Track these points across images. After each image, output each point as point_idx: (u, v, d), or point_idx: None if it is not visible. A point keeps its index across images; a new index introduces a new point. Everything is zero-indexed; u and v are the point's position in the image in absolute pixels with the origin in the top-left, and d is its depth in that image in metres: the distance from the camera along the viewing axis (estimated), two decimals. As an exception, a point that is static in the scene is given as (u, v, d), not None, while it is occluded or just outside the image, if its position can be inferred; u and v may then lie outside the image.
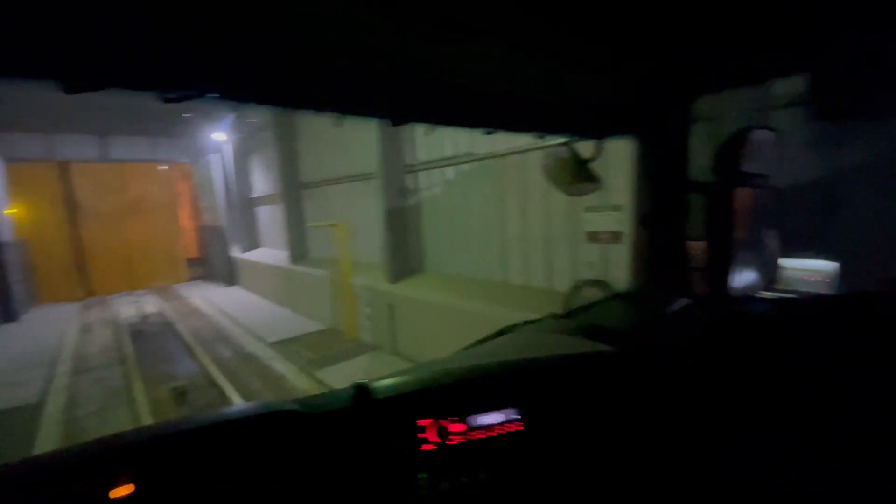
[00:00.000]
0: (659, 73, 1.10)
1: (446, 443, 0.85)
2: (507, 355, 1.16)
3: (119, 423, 4.45)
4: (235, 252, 12.25)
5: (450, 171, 5.30)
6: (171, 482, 0.69)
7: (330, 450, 0.80)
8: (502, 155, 4.54)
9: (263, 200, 11.36)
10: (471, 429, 0.87)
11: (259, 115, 10.36)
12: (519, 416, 0.90)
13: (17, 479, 0.64)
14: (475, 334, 1.38)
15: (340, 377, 5.07)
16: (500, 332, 1.39)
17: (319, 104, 0.78)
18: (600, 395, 0.97)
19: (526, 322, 1.44)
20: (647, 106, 1.23)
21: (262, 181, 11.32)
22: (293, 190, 8.97)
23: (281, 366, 5.76)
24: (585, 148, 1.32)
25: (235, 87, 0.67)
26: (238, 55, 0.62)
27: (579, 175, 1.30)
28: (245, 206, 12.08)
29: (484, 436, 0.88)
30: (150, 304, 10.51)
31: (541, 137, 1.26)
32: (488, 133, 1.07)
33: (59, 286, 12.06)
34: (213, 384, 5.27)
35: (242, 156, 11.86)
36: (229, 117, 11.47)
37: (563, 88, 1.02)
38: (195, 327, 8.09)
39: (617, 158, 1.78)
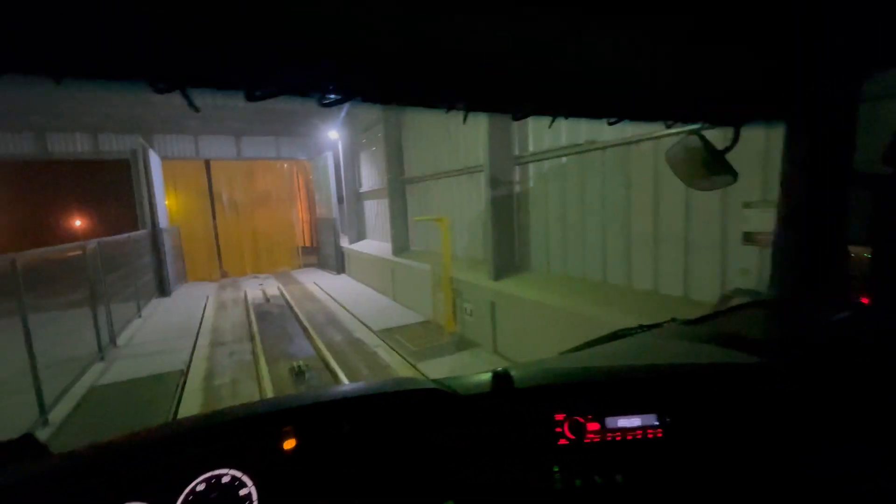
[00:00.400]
0: (816, 44, 0.88)
1: (583, 440, 0.87)
2: (628, 360, 1.14)
3: (248, 395, 4.89)
4: (344, 243, 13.08)
5: (565, 162, 4.91)
6: (328, 441, 0.79)
7: (472, 430, 0.85)
8: (631, 142, 4.05)
9: (370, 195, 11.92)
10: (607, 429, 0.88)
11: (368, 114, 10.84)
12: (659, 423, 0.89)
13: (204, 429, 0.76)
14: (585, 339, 1.32)
15: (442, 372, 5.01)
16: (614, 336, 1.36)
17: (450, 102, 0.79)
18: (749, 408, 0.91)
19: (641, 326, 1.39)
20: (800, 85, 1.04)
21: (369, 176, 11.89)
22: (397, 185, 9.23)
23: (386, 354, 5.90)
24: (713, 135, 1.15)
25: (363, 89, 0.69)
26: (366, 58, 0.64)
27: (711, 167, 1.17)
28: (353, 199, 12.81)
29: (620, 438, 0.88)
30: (272, 287, 11.67)
31: (668, 126, 1.17)
32: (611, 124, 1.01)
33: (201, 267, 14.00)
34: (327, 366, 5.57)
35: (352, 153, 12.57)
36: (341, 116, 12.23)
37: (695, 69, 0.90)
38: (309, 310, 8.75)
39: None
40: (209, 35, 0.54)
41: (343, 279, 12.42)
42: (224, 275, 14.40)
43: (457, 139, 7.06)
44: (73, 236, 15.66)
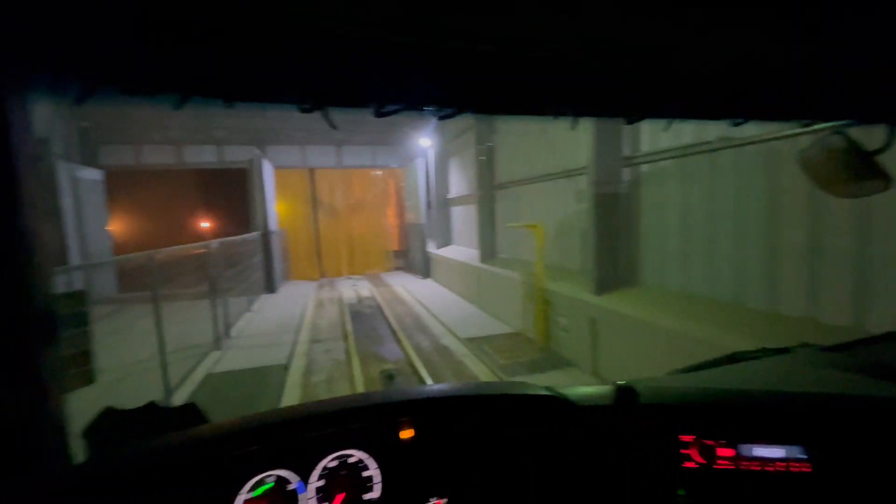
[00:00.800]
0: None
1: (713, 466, 0.82)
2: (755, 385, 1.06)
3: (341, 394, 5.02)
4: (430, 248, 13.27)
5: (689, 162, 4.33)
6: (442, 435, 0.83)
7: (589, 441, 0.84)
8: (778, 137, 3.40)
9: (458, 201, 11.93)
10: (742, 457, 0.83)
11: (459, 121, 10.85)
12: (806, 456, 0.82)
13: (334, 412, 0.83)
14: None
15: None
16: (731, 358, 1.29)
17: (558, 109, 0.78)
18: None
19: (765, 349, 1.32)
20: None
21: (457, 183, 11.91)
22: (487, 190, 9.07)
23: (473, 365, 5.73)
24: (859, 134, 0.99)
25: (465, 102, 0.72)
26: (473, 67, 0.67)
27: (858, 171, 1.04)
28: (441, 205, 12.95)
29: (759, 468, 0.82)
30: (364, 288, 12.20)
31: (806, 125, 1.09)
32: (736, 125, 0.93)
33: (302, 267, 15.15)
34: (415, 372, 5.54)
35: (442, 159, 12.72)
36: (433, 124, 12.45)
37: (842, 58, 0.76)
38: (398, 313, 8.93)
39: None
40: (347, 63, 0.60)
41: (429, 283, 12.58)
42: (322, 275, 15.43)
43: (555, 141, 6.70)
44: (199, 236, 18.01)
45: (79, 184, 10.70)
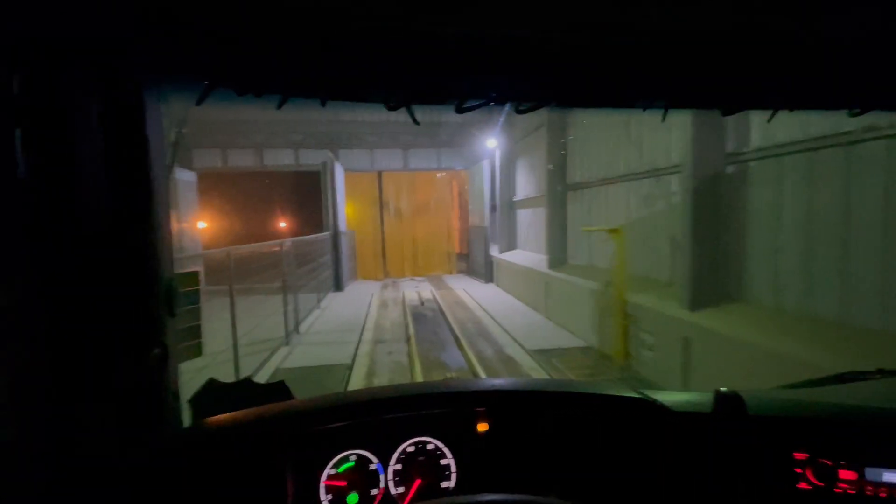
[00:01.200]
0: None
1: (832, 489, 0.75)
2: (876, 405, 0.93)
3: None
4: (494, 252, 12.94)
5: (815, 158, 3.65)
6: (515, 428, 0.84)
7: (685, 450, 0.80)
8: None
9: (524, 203, 11.51)
10: (867, 482, 0.74)
11: (528, 120, 10.46)
12: None
13: (408, 399, 0.87)
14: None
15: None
16: (840, 378, 1.17)
17: (649, 99, 0.75)
18: None
19: (882, 371, 1.17)
20: None
21: (525, 184, 11.49)
22: (558, 192, 8.58)
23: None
24: None
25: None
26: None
27: None
28: (506, 208, 12.59)
29: (886, 495, 0.73)
30: (426, 290, 12.16)
31: None
32: (854, 115, 0.83)
33: (368, 267, 15.50)
34: (478, 383, 5.27)
35: (508, 161, 12.36)
36: (499, 124, 12.15)
37: None
38: (460, 318, 8.71)
39: None
40: (430, 63, 0.63)
41: (491, 288, 12.25)
42: (386, 275, 15.69)
43: (641, 138, 6.12)
44: (277, 235, 19.12)
45: (177, 184, 11.74)
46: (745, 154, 4.30)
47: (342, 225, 13.07)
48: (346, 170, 14.76)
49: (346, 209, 14.91)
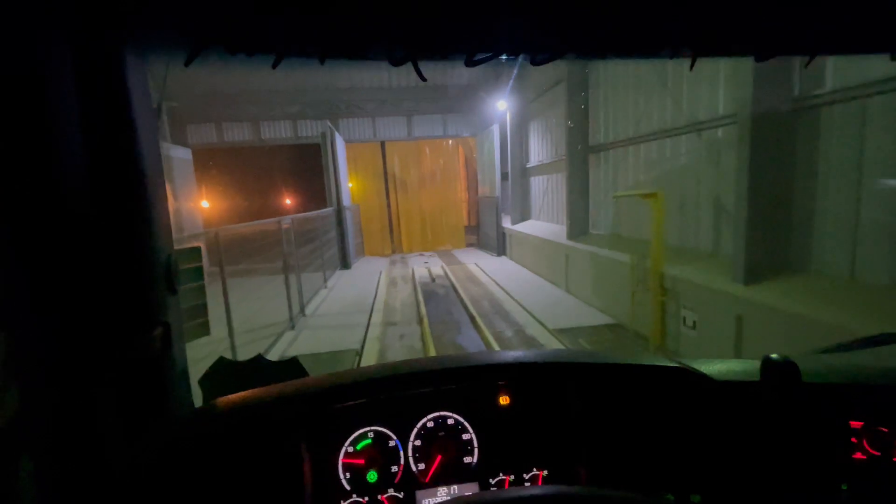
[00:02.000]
0: None
1: (891, 459, 0.72)
2: None
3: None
4: (505, 223, 12.31)
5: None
6: (538, 400, 0.80)
7: (735, 423, 0.76)
8: None
9: (538, 170, 10.78)
10: None
11: (542, 77, 9.60)
12: None
13: (426, 373, 0.82)
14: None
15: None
16: (871, 341, 1.08)
17: (676, 46, 0.68)
18: None
19: None
20: None
21: (539, 149, 10.73)
22: (578, 155, 7.86)
23: (570, 362, 4.84)
24: None
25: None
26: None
27: None
28: (519, 176, 11.86)
29: None
30: (436, 266, 11.65)
31: None
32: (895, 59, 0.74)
33: (375, 243, 14.98)
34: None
35: (520, 123, 11.54)
36: (510, 85, 11.26)
37: None
38: (473, 295, 8.21)
39: None
40: (436, 10, 0.56)
41: (504, 262, 11.70)
42: (394, 251, 15.19)
43: (678, 88, 5.37)
44: (281, 212, 18.58)
45: (171, 161, 11.15)
46: (817, 97, 3.58)
47: (346, 199, 12.46)
48: (347, 141, 14.04)
49: (350, 182, 14.27)
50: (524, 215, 11.92)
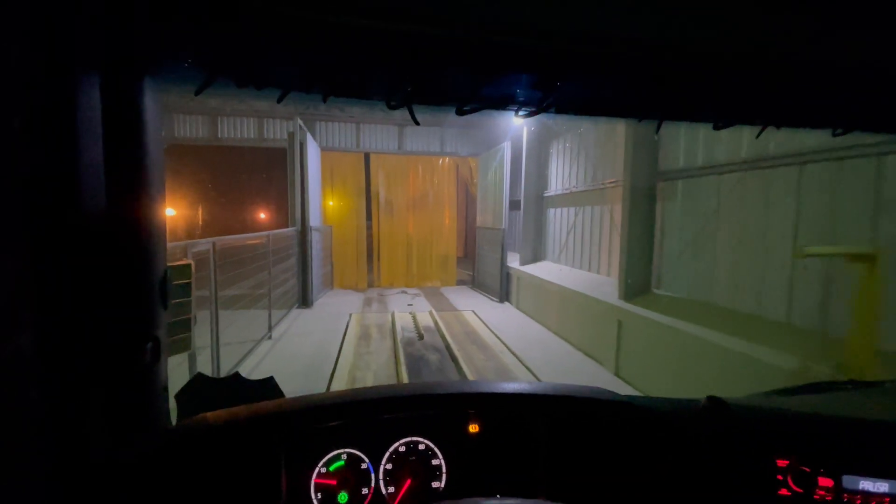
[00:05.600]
0: None
1: (812, 496, 0.76)
2: (847, 415, 0.95)
3: None
4: (513, 262, 9.93)
5: None
6: (505, 430, 0.83)
7: (674, 454, 0.82)
8: None
9: (562, 200, 8.51)
10: (844, 489, 0.76)
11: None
12: None
13: (400, 399, 0.85)
14: None
15: None
16: (814, 388, 1.19)
17: (644, 112, 0.82)
18: None
19: (853, 382, 1.22)
20: None
21: (564, 174, 8.48)
22: (642, 183, 5.56)
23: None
24: None
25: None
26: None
27: None
28: (533, 206, 9.57)
29: (859, 501, 0.75)
30: (423, 311, 9.07)
31: None
32: (836, 135, 0.87)
33: (349, 273, 12.32)
34: None
35: (540, 142, 9.33)
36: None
37: None
38: (480, 369, 5.67)
39: None
40: (430, 65, 0.63)
41: (509, 311, 9.24)
42: (371, 284, 12.54)
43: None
44: (247, 228, 15.70)
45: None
46: None
47: (315, 218, 9.89)
48: (324, 148, 11.58)
49: (323, 198, 11.72)
50: (537, 254, 9.57)
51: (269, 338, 6.84)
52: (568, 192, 8.16)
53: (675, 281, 5.25)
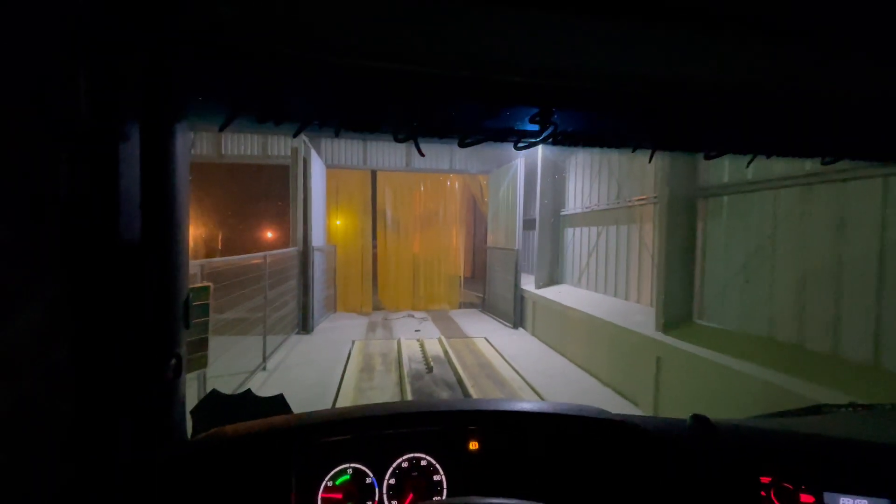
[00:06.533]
0: None
1: None
2: (838, 435, 0.97)
3: None
4: (528, 285, 9.29)
5: None
6: (505, 447, 0.86)
7: (664, 471, 0.84)
8: None
9: (583, 219, 7.93)
10: None
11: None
12: None
13: (405, 416, 0.88)
14: None
15: None
16: (815, 410, 1.23)
17: (637, 143, 0.85)
18: None
19: (853, 405, 1.25)
20: None
21: (585, 191, 7.93)
22: (680, 200, 4.97)
23: None
24: None
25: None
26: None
27: None
28: (549, 225, 8.99)
29: None
30: (431, 338, 8.41)
31: None
32: (826, 164, 0.92)
33: (353, 295, 11.73)
34: None
35: (557, 158, 8.81)
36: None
37: None
38: (499, 410, 4.99)
39: None
40: (435, 101, 0.68)
41: (525, 338, 8.56)
42: (376, 307, 11.92)
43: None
44: (254, 248, 15.22)
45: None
46: None
47: (318, 238, 9.37)
48: (329, 166, 11.17)
49: (329, 217, 11.24)
50: (554, 278, 8.94)
51: (264, 368, 6.23)
52: (589, 210, 7.58)
53: (723, 311, 4.59)
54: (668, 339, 4.69)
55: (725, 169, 4.64)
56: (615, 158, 6.87)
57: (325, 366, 6.52)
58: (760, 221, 4.21)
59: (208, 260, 4.71)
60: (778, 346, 3.92)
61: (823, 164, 0.88)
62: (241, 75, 0.60)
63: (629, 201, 6.26)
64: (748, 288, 4.28)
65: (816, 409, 1.22)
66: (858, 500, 0.76)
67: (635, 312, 5.75)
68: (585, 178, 7.87)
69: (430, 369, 6.42)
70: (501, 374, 6.37)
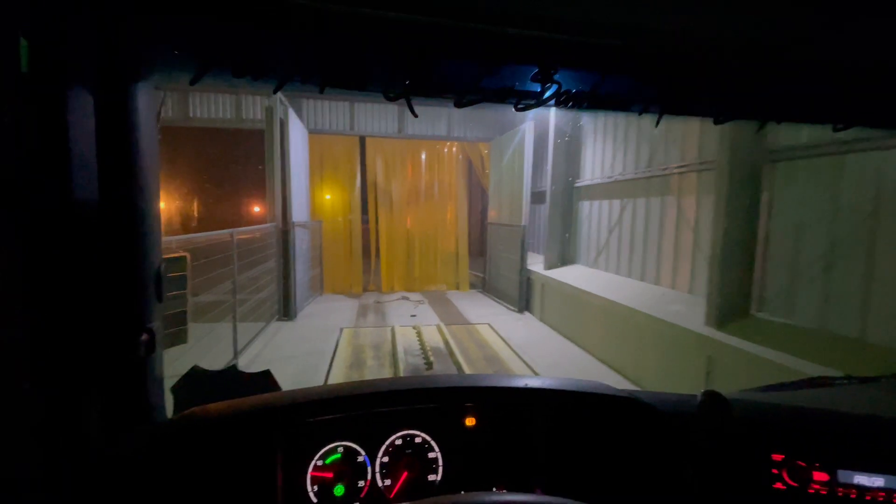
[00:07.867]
0: None
1: (806, 490, 0.78)
2: (843, 410, 0.96)
3: None
4: (536, 265, 8.41)
5: None
6: (502, 423, 0.84)
7: (673, 449, 0.82)
8: None
9: (602, 191, 6.97)
10: (839, 483, 0.77)
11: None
12: None
13: (397, 393, 0.84)
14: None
15: None
16: (812, 383, 1.21)
17: (645, 105, 0.81)
18: None
19: (850, 377, 1.22)
20: None
21: (603, 159, 6.94)
22: (740, 166, 4.01)
23: None
24: None
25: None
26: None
27: None
28: (561, 199, 8.02)
29: (856, 496, 0.76)
30: (429, 323, 7.54)
31: None
32: (837, 130, 0.89)
33: (341, 275, 10.78)
34: None
35: (570, 121, 7.76)
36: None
37: None
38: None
39: None
40: (429, 55, 0.62)
41: (533, 324, 7.73)
42: (367, 288, 11.01)
43: None
44: (236, 222, 14.03)
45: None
46: None
47: (300, 213, 8.33)
48: (312, 131, 9.99)
49: (312, 189, 10.15)
50: (566, 257, 8.04)
51: (234, 365, 5.32)
52: (611, 180, 6.61)
53: (793, 302, 3.72)
54: (722, 336, 3.84)
55: (803, 126, 3.67)
56: (646, 120, 5.86)
57: (308, 361, 5.63)
58: (854, 192, 3.28)
59: (176, 237, 3.74)
60: (870, 349, 3.08)
61: (835, 130, 0.86)
62: (210, 23, 0.54)
63: (665, 169, 5.30)
64: (831, 276, 3.40)
65: (813, 382, 1.20)
66: (874, 478, 0.75)
67: (671, 300, 4.88)
68: (607, 143, 6.87)
69: (429, 365, 5.55)
70: (511, 370, 5.53)
